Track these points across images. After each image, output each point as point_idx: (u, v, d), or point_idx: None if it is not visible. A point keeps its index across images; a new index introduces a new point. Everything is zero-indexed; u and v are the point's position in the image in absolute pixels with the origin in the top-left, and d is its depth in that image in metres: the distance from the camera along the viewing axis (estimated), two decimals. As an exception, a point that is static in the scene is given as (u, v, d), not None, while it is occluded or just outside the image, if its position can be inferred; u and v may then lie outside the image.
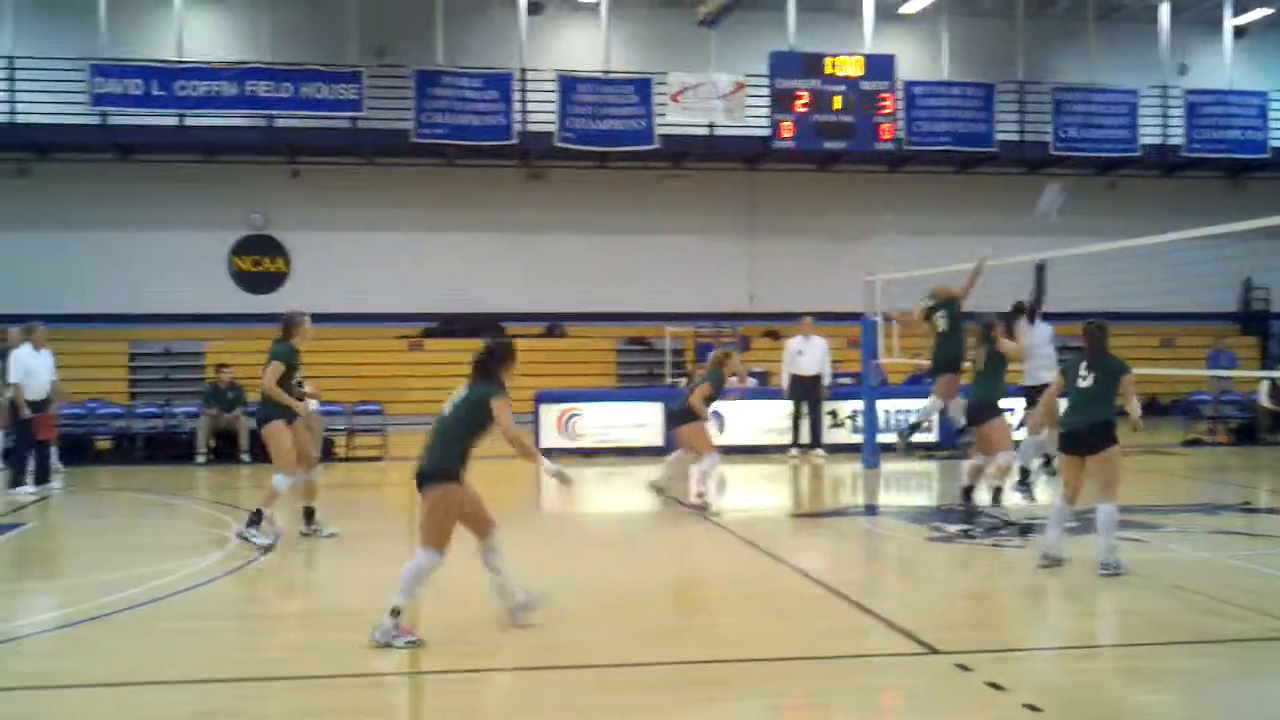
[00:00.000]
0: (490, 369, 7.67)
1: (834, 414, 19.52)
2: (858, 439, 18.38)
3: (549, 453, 18.69)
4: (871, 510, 13.80)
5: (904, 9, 28.14)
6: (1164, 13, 27.76)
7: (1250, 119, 27.83)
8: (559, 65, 26.12)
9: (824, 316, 20.94)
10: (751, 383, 20.66)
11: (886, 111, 25.83)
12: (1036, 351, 14.28)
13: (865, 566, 11.06)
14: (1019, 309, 14.26)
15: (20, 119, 24.45)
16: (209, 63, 24.78)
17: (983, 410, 12.45)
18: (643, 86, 25.62)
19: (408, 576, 7.40)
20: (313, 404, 13.29)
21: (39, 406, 15.31)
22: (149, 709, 6.30)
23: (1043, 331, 14.64)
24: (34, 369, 15.30)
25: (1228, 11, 28.19)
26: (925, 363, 14.94)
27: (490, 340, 7.97)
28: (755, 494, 15.33)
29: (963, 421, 13.70)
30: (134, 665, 7.11)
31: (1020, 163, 27.91)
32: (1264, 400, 20.40)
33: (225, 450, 19.02)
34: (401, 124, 24.86)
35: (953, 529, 11.74)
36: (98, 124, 24.60)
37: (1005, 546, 10.81)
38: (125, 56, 24.67)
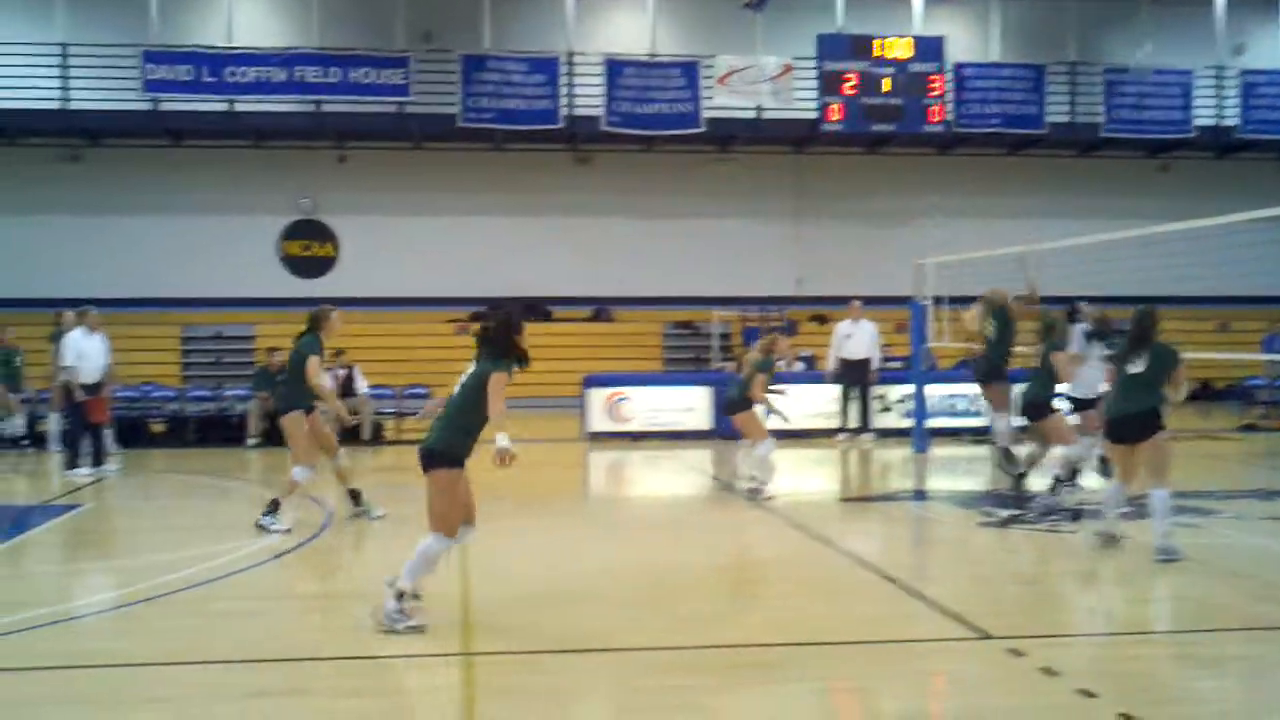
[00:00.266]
0: (497, 343, 7.34)
1: (883, 398, 19.44)
2: (907, 424, 18.28)
3: (597, 436, 18.97)
4: (921, 495, 13.74)
5: (953, -10, 27.86)
6: (1220, -9, 27.33)
7: (1308, 99, 27.36)
8: (605, 49, 26.09)
9: (871, 300, 20.76)
10: (800, 366, 20.62)
11: (936, 93, 25.61)
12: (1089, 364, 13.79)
13: (915, 551, 11.00)
14: (1074, 314, 13.89)
15: (73, 105, 24.75)
16: (258, 49, 24.98)
17: (1039, 408, 12.31)
18: (689, 69, 25.54)
19: (416, 560, 7.25)
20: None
21: (92, 390, 15.50)
22: (201, 689, 6.36)
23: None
24: (86, 352, 15.50)
25: (1286, -11, 27.73)
26: (977, 346, 14.75)
27: (490, 318, 7.53)
28: (804, 478, 15.24)
29: (1017, 423, 13.51)
30: (187, 645, 7.18)
31: (1071, 145, 27.61)
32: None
33: (276, 433, 19.08)
34: (448, 109, 24.94)
35: (1004, 514, 11.65)
36: (149, 110, 24.88)
37: (1058, 531, 10.71)
38: (176, 43, 24.93)
